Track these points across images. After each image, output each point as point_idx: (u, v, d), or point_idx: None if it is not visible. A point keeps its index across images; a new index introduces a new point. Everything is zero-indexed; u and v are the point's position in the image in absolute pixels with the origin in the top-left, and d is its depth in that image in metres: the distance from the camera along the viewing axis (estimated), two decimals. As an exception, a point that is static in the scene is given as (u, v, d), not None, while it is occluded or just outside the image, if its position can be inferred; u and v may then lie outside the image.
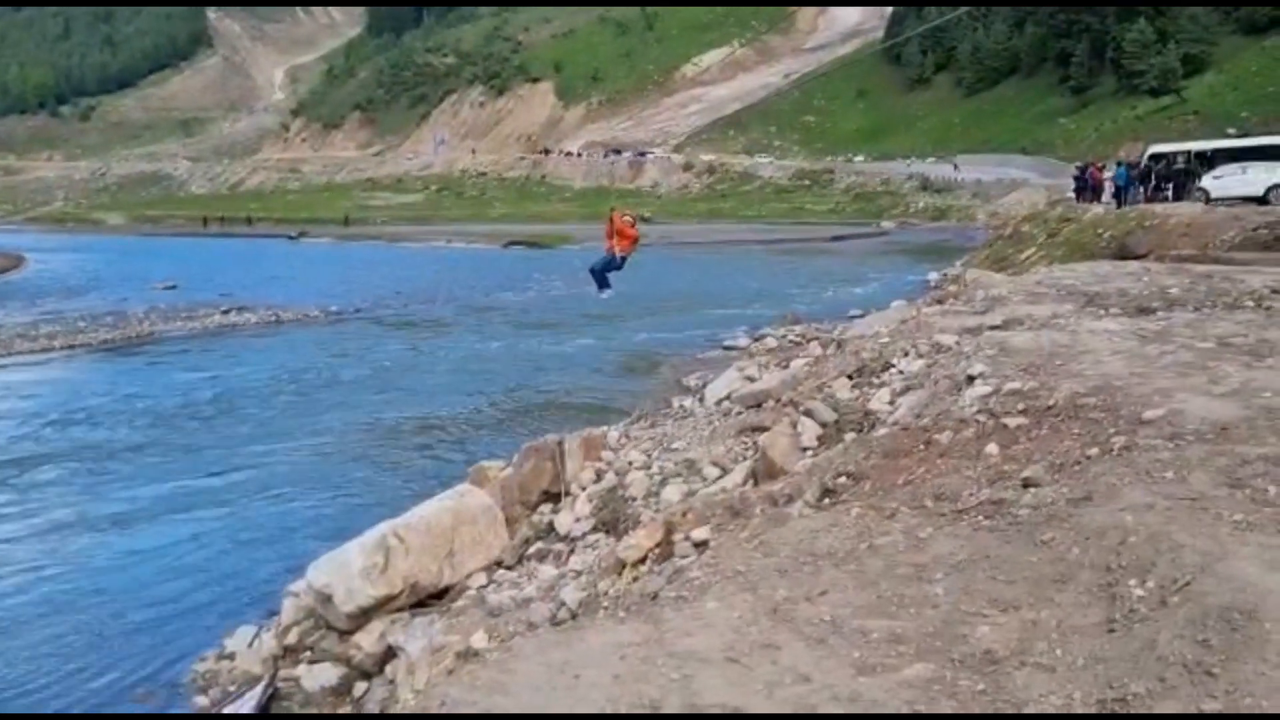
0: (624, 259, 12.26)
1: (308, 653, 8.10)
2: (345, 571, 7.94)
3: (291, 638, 8.28)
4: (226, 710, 7.66)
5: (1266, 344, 7.29)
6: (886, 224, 77.23)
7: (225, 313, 32.72)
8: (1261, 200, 28.62)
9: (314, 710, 7.51)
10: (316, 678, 7.73)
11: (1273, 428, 5.09)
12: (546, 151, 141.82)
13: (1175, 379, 6.39)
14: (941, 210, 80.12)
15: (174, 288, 40.87)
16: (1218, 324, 8.32)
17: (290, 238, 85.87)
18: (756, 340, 21.01)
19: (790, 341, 18.96)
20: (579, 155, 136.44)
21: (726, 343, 22.48)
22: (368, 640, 7.71)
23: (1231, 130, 44.84)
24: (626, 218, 12.66)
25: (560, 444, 9.39)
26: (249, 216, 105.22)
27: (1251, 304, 9.28)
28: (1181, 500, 4.43)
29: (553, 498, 9.15)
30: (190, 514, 12.48)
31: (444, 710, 3.41)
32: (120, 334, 29.01)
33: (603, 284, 12.54)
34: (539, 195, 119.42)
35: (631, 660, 3.80)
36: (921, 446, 6.37)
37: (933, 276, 33.08)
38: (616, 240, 12.20)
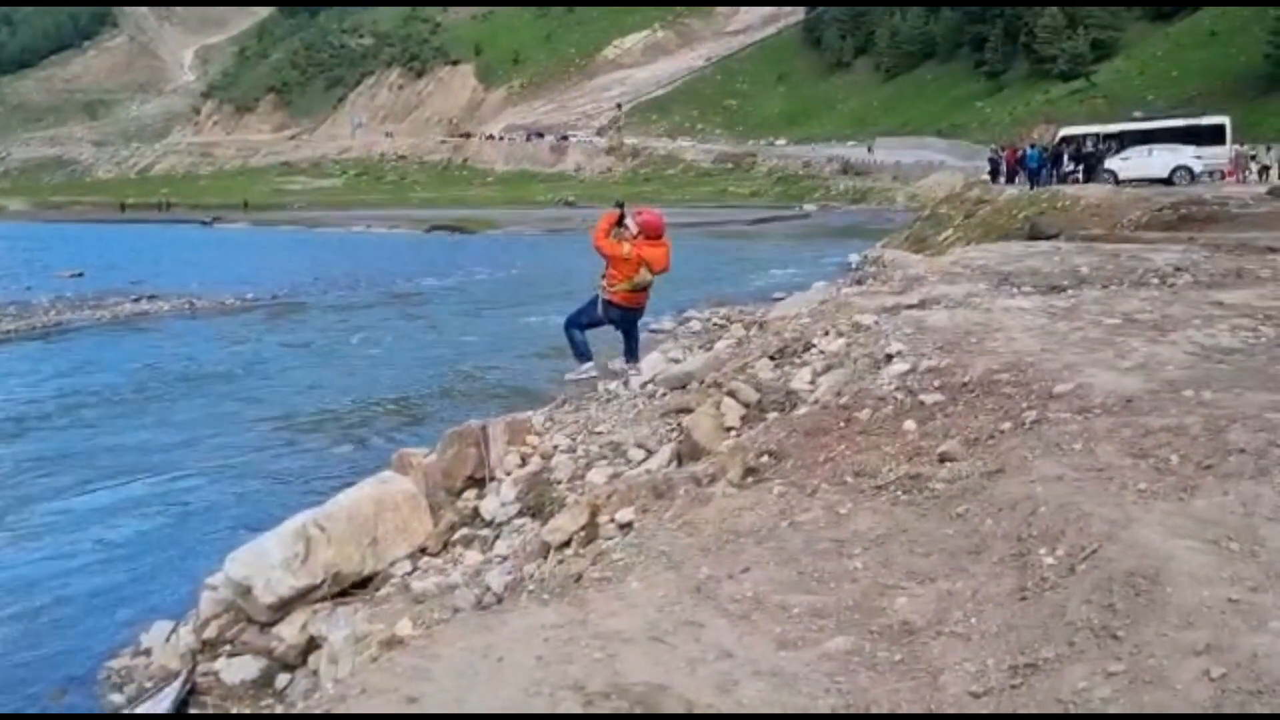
0: (624, 312, 7.69)
1: (227, 646, 7.91)
2: (264, 562, 7.77)
3: (210, 631, 8.08)
4: (142, 707, 7.47)
5: (1169, 319, 7.55)
6: (809, 207, 78.14)
7: (136, 301, 31.71)
8: (1166, 181, 29.65)
9: (234, 704, 7.36)
10: (236, 671, 7.56)
11: (1175, 399, 5.28)
12: (468, 135, 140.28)
13: (1084, 354, 6.58)
14: (862, 193, 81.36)
15: (81, 275, 39.50)
16: (1125, 301, 8.59)
17: (203, 223, 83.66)
18: (681, 323, 21.08)
19: (714, 324, 19.05)
20: (501, 139, 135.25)
21: (652, 326, 22.47)
22: (289, 631, 7.56)
23: (1138, 114, 46.26)
24: (633, 222, 8.11)
25: (484, 429, 9.29)
26: (167, 202, 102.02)
27: (1156, 281, 9.59)
28: (1089, 471, 4.57)
29: (477, 483, 9.06)
30: (101, 509, 12.09)
31: (363, 697, 3.36)
32: (25, 324, 27.91)
33: (581, 351, 7.99)
34: (461, 179, 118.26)
35: (555, 642, 3.80)
36: (842, 424, 6.46)
37: (853, 258, 33.51)
38: (611, 273, 7.75)
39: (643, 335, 22.45)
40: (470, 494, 9.01)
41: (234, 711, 7.33)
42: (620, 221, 8.33)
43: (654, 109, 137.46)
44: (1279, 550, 3.56)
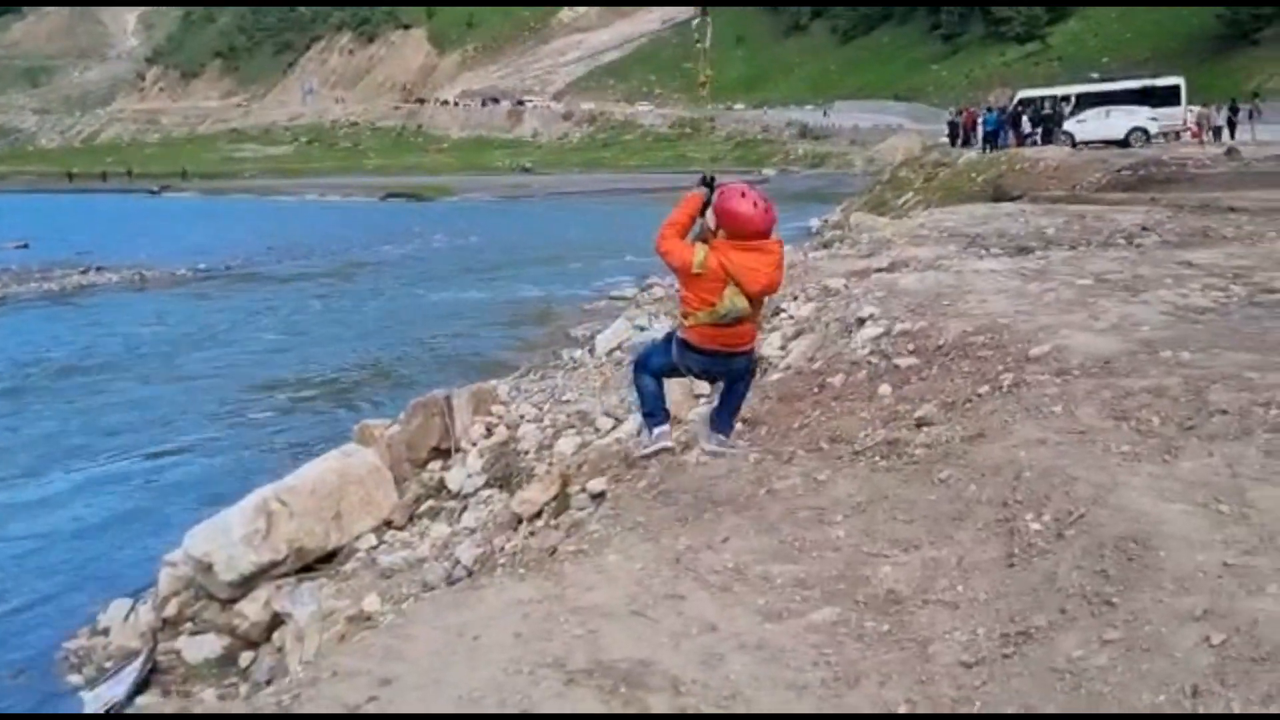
0: (707, 359, 4.74)
1: (189, 624, 7.73)
2: (225, 538, 7.58)
3: (171, 609, 7.89)
4: (101, 687, 7.27)
5: (1140, 279, 7.54)
6: (768, 171, 77.95)
7: (84, 272, 30.95)
8: (1122, 143, 29.83)
9: (197, 684, 7.18)
10: (199, 649, 7.39)
11: (1153, 360, 5.23)
12: (421, 101, 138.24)
13: (1058, 315, 6.53)
14: (820, 157, 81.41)
15: (26, 246, 38.49)
16: (1094, 261, 8.58)
17: (151, 192, 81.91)
18: (644, 290, 20.92)
19: (677, 289, 18.90)
20: (456, 104, 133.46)
21: (613, 293, 22.33)
22: (252, 609, 7.39)
23: (1094, 75, 46.51)
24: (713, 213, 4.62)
25: (449, 399, 9.14)
26: (128, 170, 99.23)
27: (1123, 241, 9.60)
28: (1071, 434, 4.50)
29: (443, 454, 8.92)
30: (57, 486, 11.78)
31: (335, 680, 3.22)
32: (-34, 298, 27.17)
33: (650, 407, 5.01)
34: (415, 146, 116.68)
35: (534, 618, 3.68)
36: (815, 390, 6.38)
37: (814, 223, 33.46)
38: (684, 295, 4.71)
39: (602, 301, 22.47)
40: (435, 465, 8.86)
41: (197, 690, 7.17)
42: (706, 209, 4.68)
43: (610, 73, 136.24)
44: (1270, 512, 3.51)
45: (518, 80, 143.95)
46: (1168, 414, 4.52)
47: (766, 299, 4.81)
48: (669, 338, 4.80)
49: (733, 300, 4.35)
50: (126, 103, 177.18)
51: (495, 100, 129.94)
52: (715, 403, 5.01)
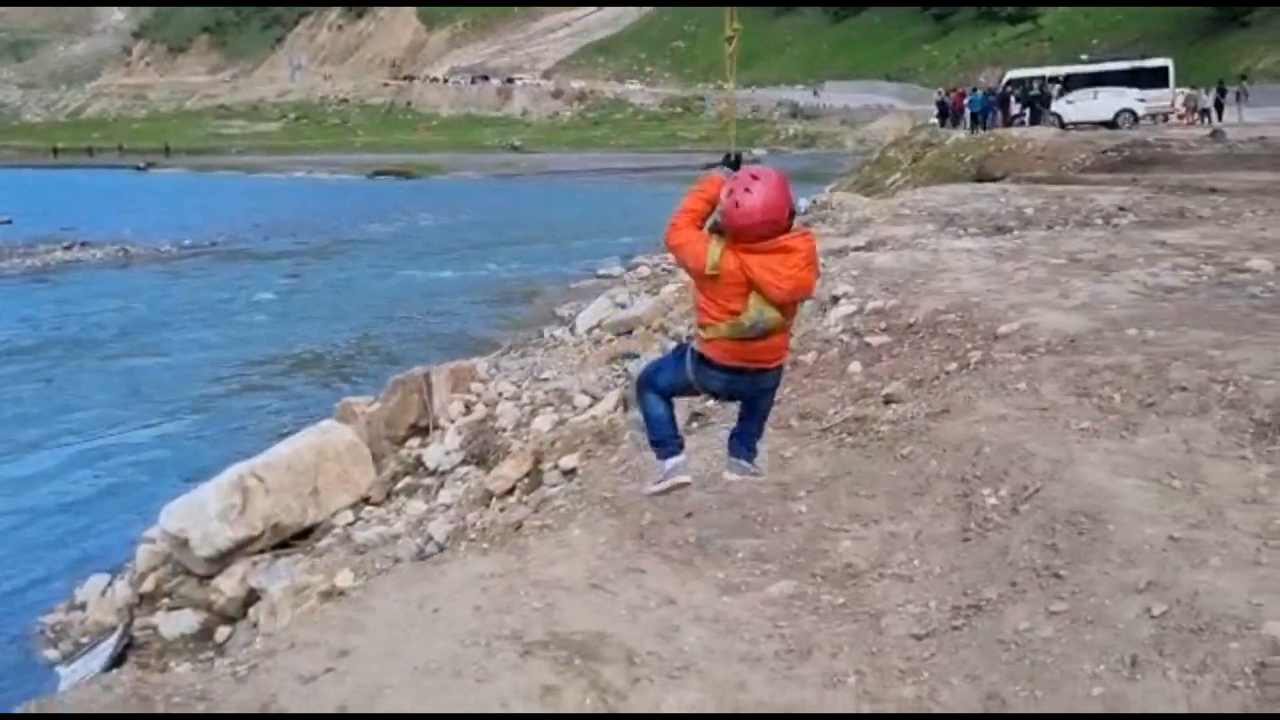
0: (730, 376, 3.80)
1: (165, 600, 7.77)
2: (202, 514, 7.61)
3: (148, 585, 7.93)
4: (77, 662, 7.30)
5: (1113, 259, 7.57)
6: (758, 151, 77.65)
7: (68, 248, 30.78)
8: (1110, 124, 29.85)
9: (173, 659, 7.21)
10: (175, 624, 7.43)
11: (1118, 338, 5.27)
12: (411, 78, 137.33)
13: (1028, 294, 6.57)
14: (811, 137, 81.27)
15: (9, 222, 38.19)
16: (1069, 241, 8.61)
17: (138, 168, 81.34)
18: (630, 268, 20.92)
19: (663, 269, 18.92)
20: (445, 82, 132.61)
21: (600, 271, 22.32)
22: (229, 584, 7.43)
23: (1084, 56, 46.45)
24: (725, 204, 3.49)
25: (428, 376, 9.15)
26: (119, 146, 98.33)
27: (1100, 222, 9.63)
28: (1033, 410, 4.54)
29: (421, 431, 8.94)
30: (36, 462, 11.77)
31: (291, 651, 3.24)
32: (-51, 274, 27.00)
33: (658, 434, 4.08)
34: (405, 123, 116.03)
35: (493, 591, 3.70)
36: (788, 367, 6.40)
37: (803, 203, 33.36)
38: (700, 302, 3.72)
39: (589, 280, 22.47)
40: (414, 442, 8.88)
41: (173, 664, 7.19)
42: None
43: (601, 51, 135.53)
44: (1220, 487, 3.56)
45: (508, 58, 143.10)
46: (1129, 391, 4.56)
47: (801, 301, 3.83)
48: (681, 351, 3.94)
49: (760, 310, 3.49)
50: (113, 77, 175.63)
51: (485, 78, 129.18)
52: (737, 425, 4.13)
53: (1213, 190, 12.16)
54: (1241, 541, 3.19)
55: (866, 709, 2.92)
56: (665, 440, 4.03)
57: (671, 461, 4.02)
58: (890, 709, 2.93)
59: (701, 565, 3.91)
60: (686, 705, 2.97)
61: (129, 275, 26.96)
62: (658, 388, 4.04)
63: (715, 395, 4.09)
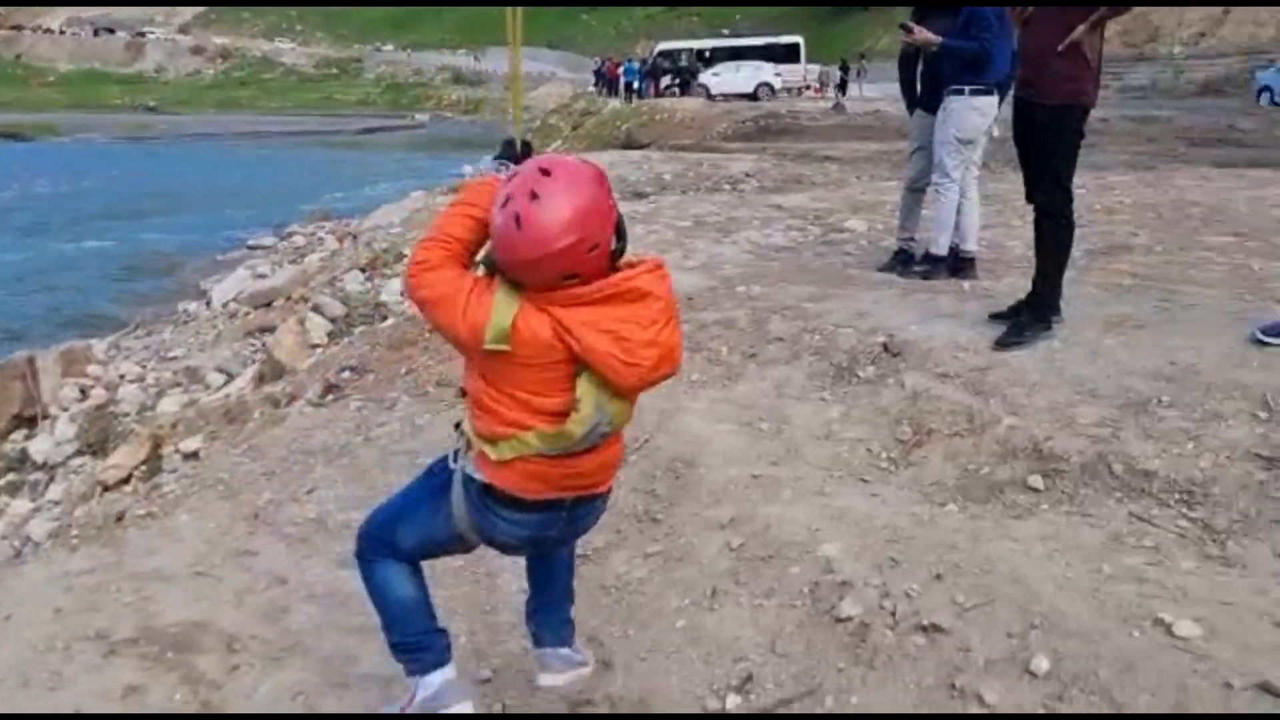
0: (538, 520, 2.20)
1: None
2: None
3: None
4: None
5: (734, 221, 8.12)
6: (421, 117, 76.27)
7: None
8: (752, 96, 32.06)
9: None
10: None
11: (729, 294, 5.66)
12: (18, 27, 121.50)
13: (655, 255, 6.89)
14: (475, 103, 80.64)
15: None
16: (698, 205, 9.14)
17: None
18: (284, 238, 19.81)
19: (318, 238, 18.10)
20: (62, 33, 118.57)
21: (251, 242, 20.93)
22: None
23: (725, 31, 49.46)
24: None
25: (32, 361, 8.19)
26: None
27: (728, 187, 10.31)
28: (648, 366, 4.77)
29: (27, 422, 7.99)
30: None
31: None
32: None
33: (417, 641, 2.40)
34: (15, 79, 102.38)
35: (79, 590, 3.39)
36: (426, 334, 6.33)
37: (468, 170, 33.20)
38: (476, 393, 2.08)
39: (238, 252, 21.08)
40: (18, 435, 7.92)
41: None
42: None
43: (246, 6, 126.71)
44: (801, 426, 3.92)
45: (137, 10, 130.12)
46: (735, 344, 4.91)
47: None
48: (439, 480, 2.29)
49: (598, 406, 2.05)
50: None
51: (110, 30, 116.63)
52: (531, 593, 2.63)
53: (828, 158, 13.40)
54: (812, 475, 3.54)
55: (473, 666, 2.95)
56: (419, 642, 2.43)
57: (436, 679, 2.41)
58: (499, 664, 2.99)
59: (319, 542, 3.79)
60: (285, 686, 2.87)
61: None
62: (399, 551, 2.38)
63: (505, 550, 2.41)
